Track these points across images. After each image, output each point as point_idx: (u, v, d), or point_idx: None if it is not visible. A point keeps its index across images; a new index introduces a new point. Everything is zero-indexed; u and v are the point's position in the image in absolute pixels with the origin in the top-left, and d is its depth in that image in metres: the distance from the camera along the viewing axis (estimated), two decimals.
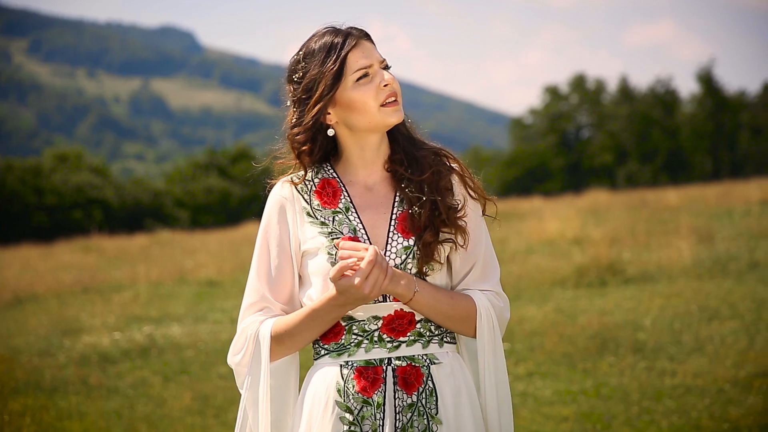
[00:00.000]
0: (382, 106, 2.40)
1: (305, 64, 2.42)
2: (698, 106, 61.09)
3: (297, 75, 2.44)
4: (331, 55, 2.38)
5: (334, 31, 2.43)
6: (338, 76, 2.38)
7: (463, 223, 2.45)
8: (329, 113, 2.43)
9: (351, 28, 2.44)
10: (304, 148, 2.45)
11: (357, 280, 2.25)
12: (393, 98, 2.42)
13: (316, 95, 2.38)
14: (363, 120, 2.42)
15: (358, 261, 2.26)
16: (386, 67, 2.45)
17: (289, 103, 2.49)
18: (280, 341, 2.42)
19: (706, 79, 60.44)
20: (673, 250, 12.59)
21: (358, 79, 2.39)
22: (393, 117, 2.42)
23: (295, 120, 2.45)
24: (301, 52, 2.45)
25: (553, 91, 66.13)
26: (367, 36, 2.45)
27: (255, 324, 2.45)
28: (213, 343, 9.30)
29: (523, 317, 9.47)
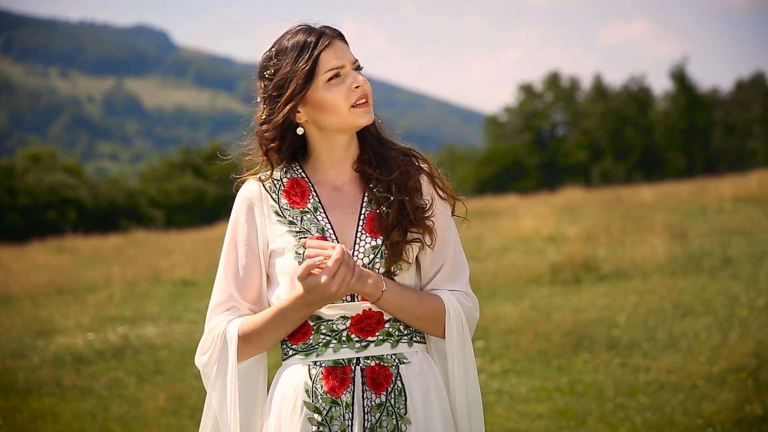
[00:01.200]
0: (353, 107, 2.40)
1: (277, 61, 2.41)
2: (672, 104, 61.47)
3: (268, 72, 2.43)
4: (304, 54, 2.37)
5: (308, 29, 2.42)
6: (310, 75, 2.37)
7: (431, 223, 2.45)
8: (299, 112, 2.42)
9: (325, 27, 2.43)
10: (272, 145, 2.44)
11: (324, 279, 2.24)
12: (364, 100, 2.41)
13: (287, 94, 2.37)
14: (333, 120, 2.41)
15: (325, 259, 2.25)
16: (358, 68, 2.44)
17: (259, 100, 2.47)
18: (247, 341, 2.41)
19: (680, 77, 60.82)
20: (647, 247, 12.66)
21: (329, 79, 2.38)
22: (363, 118, 2.41)
23: (264, 117, 2.44)
24: (273, 49, 2.44)
25: (527, 89, 66.33)
26: (340, 36, 2.44)
27: (222, 324, 2.44)
28: (188, 343, 9.25)
29: (498, 315, 9.49)
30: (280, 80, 2.39)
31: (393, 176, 2.45)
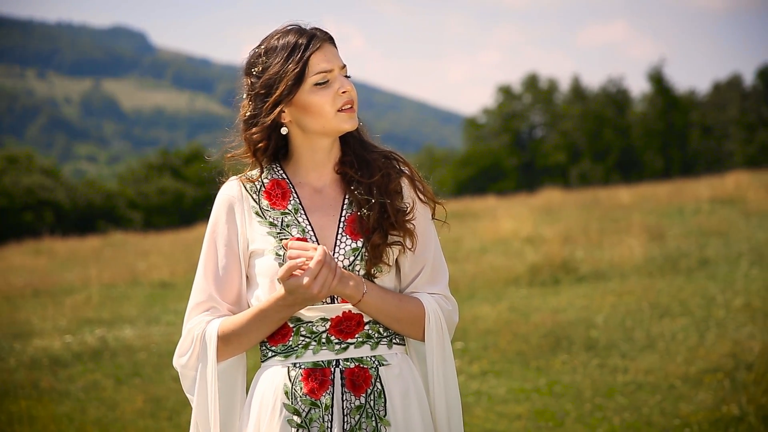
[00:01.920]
0: (339, 111, 2.39)
1: (266, 59, 2.40)
2: (649, 106, 61.78)
3: (256, 69, 2.41)
4: (294, 56, 2.36)
5: (299, 30, 2.41)
6: (299, 78, 2.36)
7: (411, 226, 2.45)
8: (284, 112, 2.41)
9: (316, 29, 2.42)
10: (260, 145, 2.44)
11: (306, 280, 2.23)
12: (349, 105, 2.41)
13: (276, 95, 2.36)
14: (317, 123, 2.41)
15: (306, 261, 2.25)
16: (346, 75, 2.44)
17: (244, 96, 2.46)
18: (227, 341, 2.40)
19: (657, 79, 61.14)
20: (625, 248, 12.71)
21: (317, 83, 2.38)
22: (347, 123, 2.41)
23: (249, 113, 2.43)
24: (262, 47, 2.42)
25: (506, 91, 66.49)
26: (331, 39, 2.44)
27: (201, 324, 2.43)
28: (166, 345, 9.22)
29: (477, 316, 9.50)
30: (268, 79, 2.38)
31: (374, 179, 2.45)
